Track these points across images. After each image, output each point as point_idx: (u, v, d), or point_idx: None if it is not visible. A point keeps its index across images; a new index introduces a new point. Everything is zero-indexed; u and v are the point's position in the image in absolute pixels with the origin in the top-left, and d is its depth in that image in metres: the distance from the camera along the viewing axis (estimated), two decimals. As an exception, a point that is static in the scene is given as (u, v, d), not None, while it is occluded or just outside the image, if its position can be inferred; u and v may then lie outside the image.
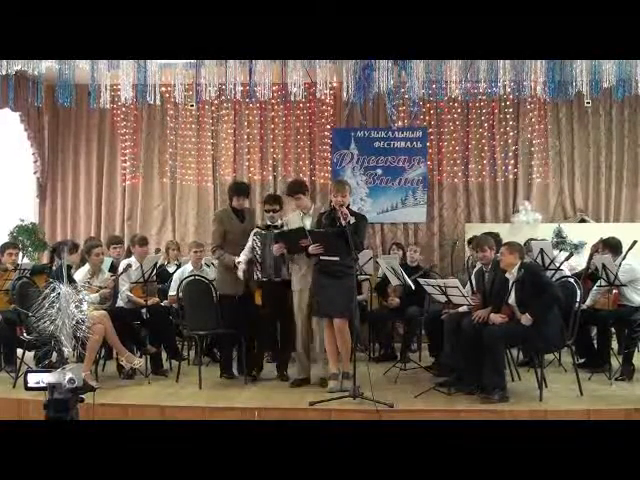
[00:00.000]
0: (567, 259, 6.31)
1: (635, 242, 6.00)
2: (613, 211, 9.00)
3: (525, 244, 6.30)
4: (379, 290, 7.10)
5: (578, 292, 5.44)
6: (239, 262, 5.68)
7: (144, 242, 6.55)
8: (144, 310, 6.11)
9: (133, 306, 6.22)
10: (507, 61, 6.77)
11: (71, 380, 2.72)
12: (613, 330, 6.24)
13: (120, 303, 6.13)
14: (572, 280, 5.69)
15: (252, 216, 6.27)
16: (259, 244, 5.67)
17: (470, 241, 7.16)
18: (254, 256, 5.68)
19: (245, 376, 5.72)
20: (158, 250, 8.56)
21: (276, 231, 5.71)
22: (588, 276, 6.34)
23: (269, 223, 5.90)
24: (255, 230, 5.81)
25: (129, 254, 6.56)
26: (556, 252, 6.90)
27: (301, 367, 5.73)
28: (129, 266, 6.01)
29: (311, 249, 5.32)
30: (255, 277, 5.70)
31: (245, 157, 9.30)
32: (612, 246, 6.16)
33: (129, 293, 6.21)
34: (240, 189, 6.11)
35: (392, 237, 9.10)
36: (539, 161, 9.09)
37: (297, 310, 5.70)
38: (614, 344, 6.30)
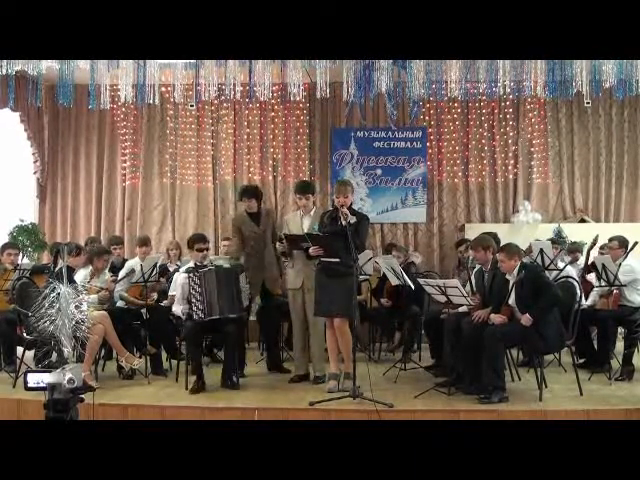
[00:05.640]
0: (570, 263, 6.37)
1: (636, 243, 6.04)
2: (613, 211, 9.00)
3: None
4: (375, 294, 7.11)
5: (578, 292, 5.44)
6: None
7: (143, 242, 6.66)
8: (144, 310, 6.11)
9: (127, 306, 6.21)
10: (507, 61, 6.77)
11: (71, 380, 2.72)
12: (619, 330, 6.24)
13: (119, 303, 6.14)
14: (572, 280, 5.69)
15: (269, 217, 6.16)
16: (197, 283, 5.36)
17: (459, 244, 7.29)
18: (191, 298, 5.37)
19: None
20: (164, 252, 8.55)
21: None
22: (587, 270, 6.36)
23: (198, 263, 5.61)
24: (186, 273, 5.50)
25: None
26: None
27: (297, 364, 5.86)
28: (132, 272, 6.01)
29: (311, 251, 5.33)
30: (195, 317, 5.36)
31: (245, 157, 9.30)
32: (623, 243, 6.20)
33: (123, 293, 6.21)
34: (243, 192, 6.13)
35: (392, 237, 9.10)
36: (539, 161, 9.09)
37: (292, 309, 5.79)
38: (619, 345, 6.27)
